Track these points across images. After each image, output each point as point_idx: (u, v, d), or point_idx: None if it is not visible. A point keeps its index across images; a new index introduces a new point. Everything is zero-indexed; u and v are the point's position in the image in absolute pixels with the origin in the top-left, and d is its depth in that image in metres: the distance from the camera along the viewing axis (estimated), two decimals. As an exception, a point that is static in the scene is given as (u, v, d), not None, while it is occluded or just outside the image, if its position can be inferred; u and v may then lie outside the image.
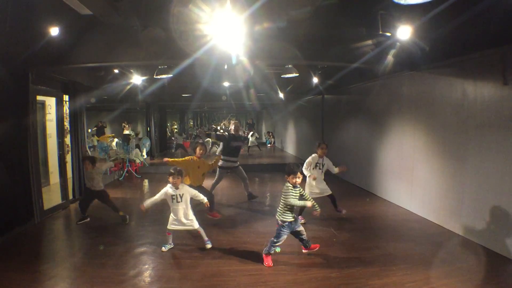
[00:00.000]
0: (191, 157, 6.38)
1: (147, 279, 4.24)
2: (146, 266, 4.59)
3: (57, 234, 6.20)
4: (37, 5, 5.09)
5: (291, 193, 4.55)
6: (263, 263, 4.62)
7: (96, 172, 6.40)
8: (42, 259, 4.88)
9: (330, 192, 6.48)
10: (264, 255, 4.68)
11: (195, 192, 5.18)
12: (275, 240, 4.63)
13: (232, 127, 8.16)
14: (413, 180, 6.94)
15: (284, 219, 4.59)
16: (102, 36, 6.00)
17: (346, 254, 4.96)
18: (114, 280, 4.18)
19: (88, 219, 6.57)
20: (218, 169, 7.68)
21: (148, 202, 5.03)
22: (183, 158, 6.38)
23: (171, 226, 5.06)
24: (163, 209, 7.30)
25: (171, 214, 5.07)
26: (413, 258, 4.75)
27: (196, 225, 5.10)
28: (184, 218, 5.02)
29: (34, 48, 5.54)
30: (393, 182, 7.72)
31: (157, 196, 5.02)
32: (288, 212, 4.60)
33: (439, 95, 6.11)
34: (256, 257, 4.85)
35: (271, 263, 4.59)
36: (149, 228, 6.14)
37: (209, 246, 5.10)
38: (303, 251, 4.94)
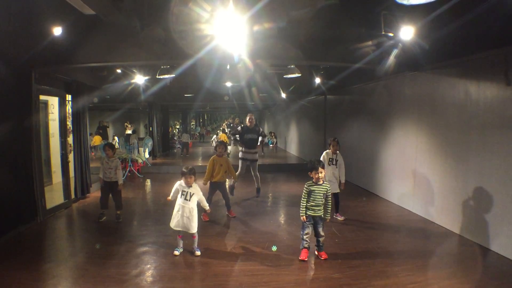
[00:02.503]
0: (213, 157, 6.77)
1: (149, 279, 4.24)
2: (148, 266, 4.59)
3: (59, 233, 6.23)
4: (40, 5, 5.11)
5: (305, 190, 4.75)
6: (265, 264, 4.63)
7: (116, 163, 6.55)
8: (44, 258, 4.89)
9: (338, 190, 6.50)
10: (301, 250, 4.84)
11: (202, 198, 5.07)
12: (301, 233, 4.83)
13: (247, 119, 8.49)
14: (415, 180, 6.93)
15: (305, 213, 4.78)
16: (105, 36, 6.01)
17: (348, 254, 4.95)
18: (116, 279, 4.18)
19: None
20: (239, 160, 8.22)
21: (173, 194, 5.05)
22: (210, 162, 6.73)
23: (173, 223, 4.90)
24: (165, 209, 7.33)
25: (175, 211, 4.91)
26: (416, 259, 4.73)
27: (194, 229, 4.92)
28: (187, 217, 4.85)
29: (37, 48, 5.56)
30: (396, 182, 7.70)
31: (175, 188, 5.02)
32: (309, 206, 4.74)
33: (442, 95, 6.10)
34: (258, 257, 4.86)
35: (304, 257, 4.72)
36: (152, 228, 6.15)
37: (198, 253, 4.92)
38: (315, 252, 4.92)
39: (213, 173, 6.64)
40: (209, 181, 6.69)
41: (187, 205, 4.87)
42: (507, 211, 4.73)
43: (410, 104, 7.12)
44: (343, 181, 6.50)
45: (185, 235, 4.97)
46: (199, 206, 5.07)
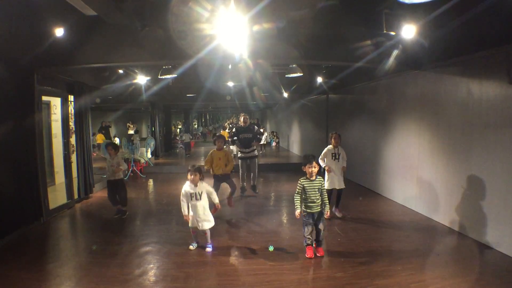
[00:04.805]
0: (212, 150, 6.95)
1: (152, 278, 4.25)
2: (151, 266, 4.60)
3: (62, 233, 6.25)
4: (42, 6, 5.12)
5: (299, 186, 4.74)
6: (268, 263, 4.63)
7: (119, 161, 6.72)
8: (48, 258, 4.91)
9: (343, 186, 6.52)
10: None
11: (212, 192, 5.09)
12: (303, 231, 4.84)
13: (241, 119, 8.56)
14: (418, 179, 6.92)
15: (303, 209, 4.77)
16: (106, 37, 6.02)
17: (350, 254, 4.95)
18: (119, 279, 4.20)
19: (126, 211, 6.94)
20: (239, 160, 8.38)
21: (185, 209, 4.95)
22: (208, 154, 6.94)
23: (192, 224, 4.98)
24: (168, 209, 7.36)
25: (191, 212, 4.97)
26: (418, 258, 4.73)
27: (209, 225, 5.02)
28: (204, 214, 4.94)
29: (39, 49, 5.58)
30: (398, 181, 7.69)
31: (183, 199, 4.96)
32: (306, 202, 4.75)
33: (444, 94, 6.08)
34: (261, 256, 4.86)
35: (311, 255, 4.75)
36: (154, 228, 6.16)
37: (209, 249, 5.01)
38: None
39: (213, 166, 6.78)
40: (213, 175, 6.86)
41: (199, 204, 4.92)
42: (510, 209, 4.71)
43: (412, 103, 7.11)
44: (344, 165, 6.48)
45: (198, 230, 5.02)
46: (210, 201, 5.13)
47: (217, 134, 7.47)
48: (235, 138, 8.36)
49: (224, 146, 7.21)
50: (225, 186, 7.12)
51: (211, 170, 6.88)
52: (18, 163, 5.91)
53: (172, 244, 5.28)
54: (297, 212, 4.66)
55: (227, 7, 4.47)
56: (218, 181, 6.83)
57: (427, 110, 6.58)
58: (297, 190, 4.77)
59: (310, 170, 4.70)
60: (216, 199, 5.15)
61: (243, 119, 8.46)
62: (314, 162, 4.71)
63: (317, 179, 4.77)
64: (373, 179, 8.85)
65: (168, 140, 18.77)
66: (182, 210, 4.96)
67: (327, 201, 4.86)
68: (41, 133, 6.67)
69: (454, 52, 5.44)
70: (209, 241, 5.08)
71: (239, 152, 8.36)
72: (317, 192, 4.73)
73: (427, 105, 6.59)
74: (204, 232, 5.03)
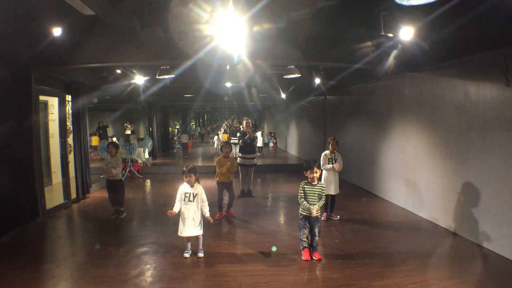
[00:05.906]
0: (219, 157, 6.80)
1: (149, 279, 4.24)
2: (148, 266, 4.59)
3: (59, 233, 6.22)
4: (40, 5, 5.11)
5: (301, 189, 4.78)
6: (265, 264, 4.63)
7: (118, 161, 6.77)
8: (44, 258, 4.89)
9: (338, 191, 6.52)
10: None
11: (205, 202, 4.90)
12: (299, 234, 4.86)
13: (243, 123, 8.51)
14: (415, 181, 6.93)
15: (300, 212, 4.81)
16: (105, 37, 6.02)
17: (347, 255, 4.96)
18: (116, 279, 4.19)
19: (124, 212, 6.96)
20: (238, 166, 8.17)
21: (176, 207, 4.80)
22: (216, 161, 6.80)
23: (181, 230, 4.79)
24: (165, 210, 7.33)
25: (180, 218, 4.82)
26: (415, 260, 4.73)
27: (200, 231, 4.87)
28: (193, 219, 4.78)
29: (37, 49, 5.56)
30: (395, 183, 7.71)
31: (178, 197, 4.84)
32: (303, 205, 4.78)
33: (441, 96, 6.10)
34: (258, 257, 4.86)
35: (307, 257, 4.74)
36: (151, 228, 6.15)
37: (201, 255, 4.88)
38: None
39: (219, 173, 6.68)
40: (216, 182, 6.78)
41: (192, 206, 4.80)
42: (507, 212, 4.73)
43: (409, 104, 7.13)
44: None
45: (191, 237, 4.92)
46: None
47: (224, 141, 7.37)
48: (240, 140, 8.38)
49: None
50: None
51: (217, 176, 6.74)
52: (15, 163, 5.89)
53: (169, 245, 5.27)
54: (311, 207, 4.63)
55: (226, 8, 4.47)
56: (221, 187, 6.76)
57: (425, 111, 6.60)
58: (299, 194, 4.80)
59: (312, 176, 4.73)
60: (207, 212, 4.89)
61: (245, 123, 8.42)
62: (315, 168, 4.71)
63: (318, 185, 4.80)
64: (371, 181, 8.86)
65: (165, 141, 18.75)
66: (175, 205, 4.83)
67: (323, 203, 4.86)
68: (38, 133, 6.65)
69: (451, 54, 5.45)
70: (200, 247, 4.94)
71: (239, 158, 8.29)
72: (317, 197, 4.74)
73: (424, 106, 6.61)
74: (197, 237, 4.90)
